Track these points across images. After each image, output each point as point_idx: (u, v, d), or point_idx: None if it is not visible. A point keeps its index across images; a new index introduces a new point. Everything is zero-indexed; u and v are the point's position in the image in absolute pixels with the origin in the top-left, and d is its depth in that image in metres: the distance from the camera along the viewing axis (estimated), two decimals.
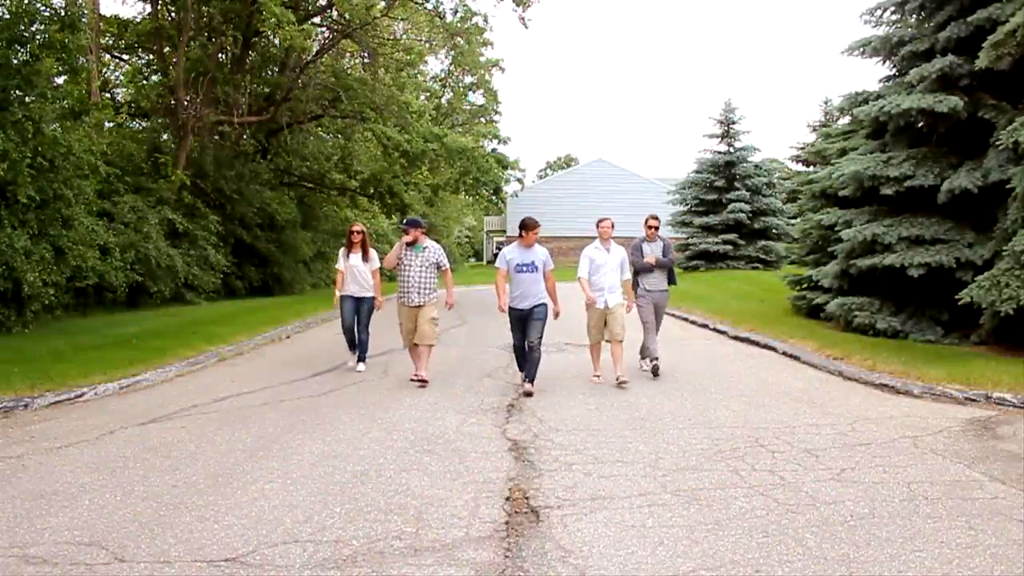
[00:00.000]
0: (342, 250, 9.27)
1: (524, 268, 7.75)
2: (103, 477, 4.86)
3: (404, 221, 8.46)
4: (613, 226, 8.33)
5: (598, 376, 8.20)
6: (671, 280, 8.92)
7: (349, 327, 9.11)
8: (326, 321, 14.71)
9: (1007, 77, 10.26)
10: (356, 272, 9.04)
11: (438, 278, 8.23)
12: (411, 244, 8.08)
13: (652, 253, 8.69)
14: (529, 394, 7.42)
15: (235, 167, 21.29)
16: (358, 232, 9.21)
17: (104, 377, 7.98)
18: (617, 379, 7.82)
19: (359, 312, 9.11)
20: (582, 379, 8.31)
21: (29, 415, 6.75)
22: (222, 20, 20.59)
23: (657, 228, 8.77)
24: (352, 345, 9.21)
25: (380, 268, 9.22)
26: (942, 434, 5.87)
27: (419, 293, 8.04)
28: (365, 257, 9.10)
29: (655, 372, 8.45)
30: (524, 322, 7.76)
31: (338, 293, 9.19)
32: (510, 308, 7.76)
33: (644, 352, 8.78)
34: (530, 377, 7.67)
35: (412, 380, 7.97)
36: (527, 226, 7.79)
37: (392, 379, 8.44)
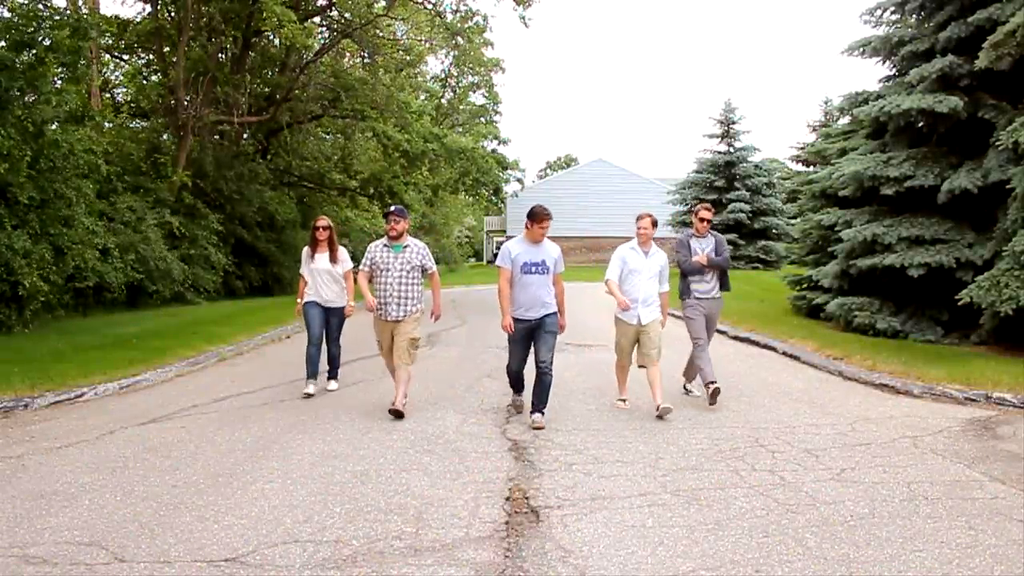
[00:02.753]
0: (305, 250, 7.83)
1: (533, 268, 6.27)
2: (103, 477, 4.86)
3: (389, 209, 6.97)
4: (656, 224, 6.82)
5: (624, 401, 6.90)
6: (724, 285, 7.27)
7: (316, 339, 7.64)
8: None
9: (1007, 77, 10.27)
10: (324, 276, 7.66)
11: (423, 283, 6.85)
12: (395, 239, 6.71)
13: (703, 251, 7.17)
14: (538, 427, 6.07)
15: (235, 167, 21.31)
16: (324, 228, 7.76)
17: (104, 377, 7.98)
18: (657, 408, 6.44)
19: (328, 324, 7.72)
20: (582, 379, 8.29)
21: (29, 415, 6.75)
22: (222, 20, 20.60)
23: (710, 221, 7.28)
24: (313, 367, 7.63)
25: (352, 270, 7.79)
26: (942, 434, 5.87)
27: (399, 304, 6.59)
28: (333, 257, 7.69)
29: (713, 398, 6.79)
30: (531, 336, 6.32)
31: (300, 301, 7.72)
32: (514, 319, 6.28)
33: (690, 372, 7.42)
34: (541, 405, 6.29)
35: (391, 411, 6.55)
36: (536, 216, 6.28)
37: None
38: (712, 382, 6.85)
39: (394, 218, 6.74)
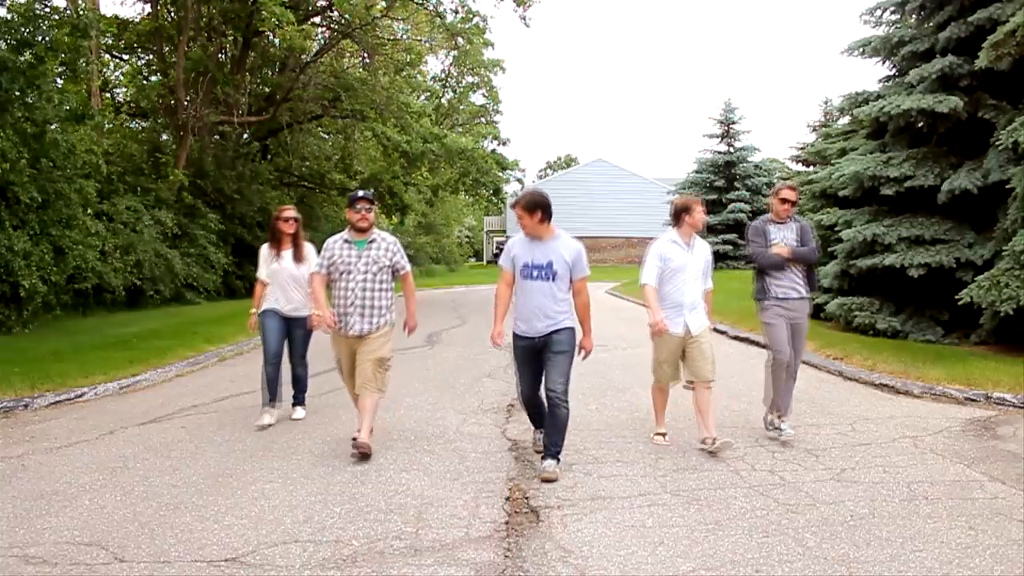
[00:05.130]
0: (264, 248, 6.33)
1: (536, 272, 4.87)
2: (103, 477, 4.86)
3: (356, 193, 5.49)
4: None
5: (663, 435, 5.58)
6: (811, 283, 5.76)
7: (273, 357, 6.21)
8: None
9: (1007, 77, 10.27)
10: (287, 279, 6.19)
11: (394, 287, 5.50)
12: (361, 232, 5.34)
13: (783, 240, 5.64)
14: (549, 480, 4.67)
15: (235, 167, 21.37)
16: (293, 220, 6.22)
17: (104, 377, 7.99)
18: (710, 442, 5.26)
19: (291, 337, 6.30)
20: (582, 379, 8.24)
21: (29, 415, 6.75)
22: (222, 20, 20.65)
23: (795, 203, 5.71)
24: (272, 390, 6.24)
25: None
26: (942, 434, 5.87)
27: (363, 314, 5.25)
28: (298, 256, 6.21)
29: (775, 427, 5.70)
30: (538, 357, 4.94)
31: (255, 311, 6.25)
32: (513, 335, 5.04)
33: (774, 403, 5.76)
34: (554, 447, 4.84)
35: (353, 454, 5.16)
36: (523, 204, 4.86)
37: (390, 380, 8.41)
38: (780, 416, 5.63)
39: (364, 205, 5.31)
